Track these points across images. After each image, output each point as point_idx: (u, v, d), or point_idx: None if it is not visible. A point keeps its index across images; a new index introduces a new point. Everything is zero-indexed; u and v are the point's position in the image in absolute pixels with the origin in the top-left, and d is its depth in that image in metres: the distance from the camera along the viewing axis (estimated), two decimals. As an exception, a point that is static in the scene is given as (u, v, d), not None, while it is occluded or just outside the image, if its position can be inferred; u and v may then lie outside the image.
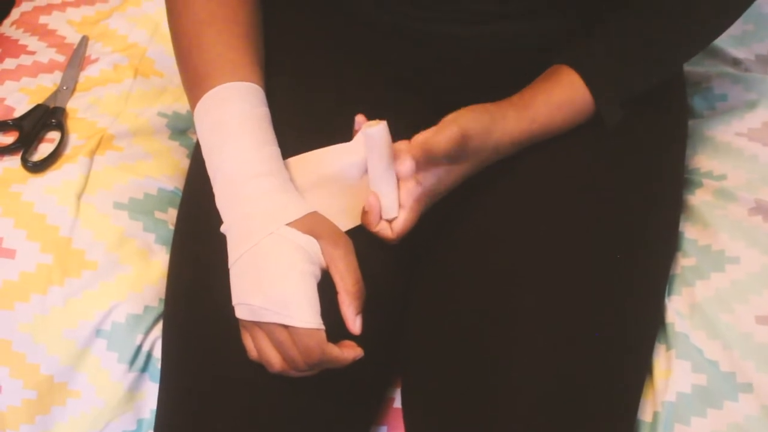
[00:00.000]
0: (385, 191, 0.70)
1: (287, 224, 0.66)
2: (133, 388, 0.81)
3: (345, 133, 0.73)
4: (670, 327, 0.77)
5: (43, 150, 0.89)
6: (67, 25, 1.04)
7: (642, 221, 0.76)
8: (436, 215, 0.76)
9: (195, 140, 0.93)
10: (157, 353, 0.81)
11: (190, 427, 0.70)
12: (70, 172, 0.86)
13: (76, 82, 0.96)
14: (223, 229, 0.69)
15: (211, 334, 0.71)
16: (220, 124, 0.70)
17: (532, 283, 0.71)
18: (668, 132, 0.82)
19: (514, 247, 0.73)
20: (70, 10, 1.06)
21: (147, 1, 1.05)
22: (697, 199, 0.86)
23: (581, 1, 0.76)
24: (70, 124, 0.92)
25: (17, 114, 0.92)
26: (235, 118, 0.70)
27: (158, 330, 0.82)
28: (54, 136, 0.90)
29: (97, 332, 0.80)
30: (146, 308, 0.82)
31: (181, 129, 0.97)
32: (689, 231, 0.84)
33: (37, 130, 0.90)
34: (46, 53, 0.99)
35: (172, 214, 0.88)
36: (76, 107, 0.93)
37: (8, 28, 1.06)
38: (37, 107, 0.92)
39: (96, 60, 0.99)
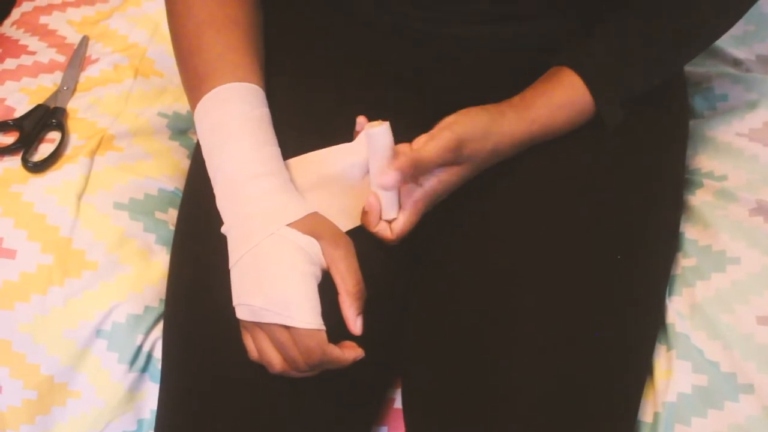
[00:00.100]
0: (384, 192, 0.70)
1: (288, 225, 0.66)
2: (134, 389, 0.81)
3: (345, 133, 0.73)
4: (670, 327, 0.77)
5: (44, 150, 0.89)
6: (67, 25, 1.04)
7: (642, 222, 0.76)
8: (436, 216, 0.76)
9: (195, 140, 0.93)
10: (158, 353, 0.81)
11: (191, 428, 0.70)
12: (71, 172, 0.86)
13: (76, 82, 0.96)
14: (223, 229, 0.69)
15: (212, 334, 0.71)
16: (220, 125, 0.70)
17: (532, 284, 0.71)
18: (668, 132, 0.82)
19: (514, 248, 0.73)
20: (70, 10, 1.06)
21: (147, 1, 1.05)
22: (698, 199, 0.86)
23: (581, 1, 0.76)
24: (71, 124, 0.92)
25: (18, 114, 0.92)
26: (236, 119, 0.70)
27: (159, 330, 0.82)
28: (54, 136, 0.90)
29: (98, 332, 0.80)
30: (146, 308, 0.82)
31: (182, 129, 0.97)
32: (690, 231, 0.84)
33: (37, 131, 0.90)
34: (46, 53, 0.99)
35: (172, 215, 0.88)
36: (76, 107, 0.93)
37: (9, 28, 1.06)
38: (38, 107, 0.92)
39: (96, 60, 0.99)
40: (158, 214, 0.88)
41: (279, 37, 0.82)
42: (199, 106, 0.72)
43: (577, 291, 0.70)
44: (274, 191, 0.68)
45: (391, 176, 0.67)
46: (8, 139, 0.90)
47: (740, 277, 0.77)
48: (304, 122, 0.77)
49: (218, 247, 0.69)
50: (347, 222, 0.72)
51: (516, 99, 0.74)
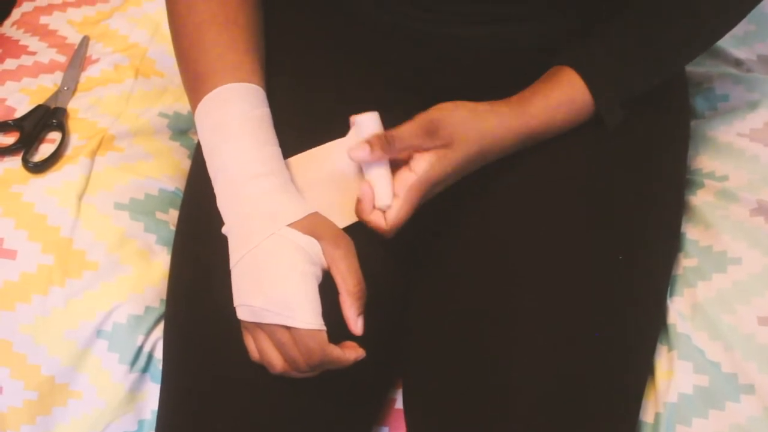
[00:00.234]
0: (377, 179, 0.70)
1: (288, 225, 0.66)
2: (134, 389, 0.81)
3: (345, 133, 0.73)
4: (671, 328, 0.77)
5: (44, 150, 0.89)
6: (67, 25, 1.04)
7: (643, 222, 0.76)
8: (436, 215, 0.76)
9: (196, 141, 0.93)
10: (158, 354, 0.81)
11: (191, 428, 0.70)
12: (71, 172, 0.86)
13: (76, 82, 0.96)
14: (224, 230, 0.69)
15: (213, 334, 0.71)
16: (220, 125, 0.70)
17: (532, 284, 0.71)
18: (669, 132, 0.82)
19: (514, 248, 0.73)
20: (70, 10, 1.06)
21: (148, 2, 1.05)
22: (699, 199, 0.86)
23: (581, 1, 0.76)
24: (71, 124, 0.92)
25: (18, 114, 0.92)
26: (236, 119, 0.70)
27: (159, 331, 0.82)
28: (55, 136, 0.90)
29: (98, 333, 0.80)
30: (147, 309, 0.82)
31: (182, 129, 0.97)
32: (691, 232, 0.84)
33: (38, 131, 0.90)
34: (46, 53, 0.99)
35: (173, 215, 0.88)
36: (77, 107, 0.93)
37: (9, 28, 1.06)
38: (38, 108, 0.92)
39: (97, 60, 0.99)
40: (159, 215, 0.88)
41: (279, 37, 0.82)
42: (200, 106, 0.72)
43: (577, 291, 0.70)
44: (275, 191, 0.68)
45: (361, 148, 0.67)
46: (9, 139, 0.90)
47: (741, 278, 0.77)
48: (304, 122, 0.77)
49: (219, 247, 0.69)
50: (346, 218, 0.72)
51: (514, 97, 0.74)
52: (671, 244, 0.81)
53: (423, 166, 0.69)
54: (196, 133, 0.81)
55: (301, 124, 0.77)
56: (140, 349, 0.81)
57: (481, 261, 0.74)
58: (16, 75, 0.97)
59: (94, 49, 1.01)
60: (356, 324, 0.65)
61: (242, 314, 0.65)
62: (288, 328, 0.63)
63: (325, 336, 0.63)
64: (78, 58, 0.99)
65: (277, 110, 0.74)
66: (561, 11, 0.77)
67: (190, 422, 0.70)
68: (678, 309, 0.78)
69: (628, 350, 0.72)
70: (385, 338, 0.74)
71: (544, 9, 0.76)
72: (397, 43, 0.79)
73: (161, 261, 0.84)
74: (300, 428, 0.70)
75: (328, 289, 0.65)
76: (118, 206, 0.86)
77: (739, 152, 0.88)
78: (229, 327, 0.68)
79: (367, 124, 0.70)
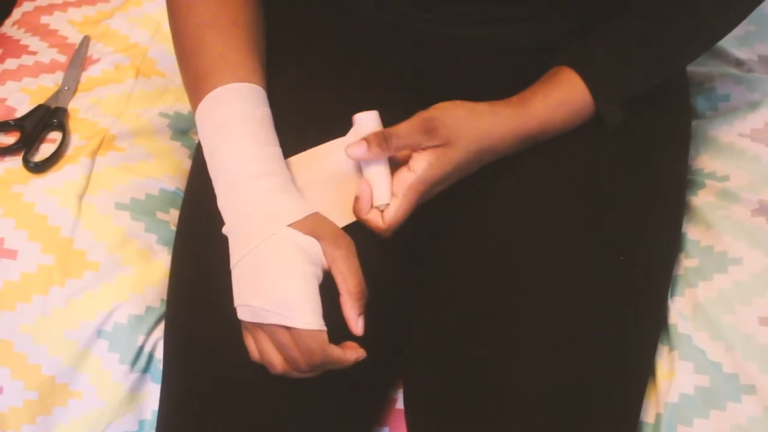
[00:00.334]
0: (376, 178, 0.70)
1: (289, 225, 0.66)
2: (135, 389, 0.81)
3: (345, 133, 0.73)
4: (672, 328, 0.77)
5: (45, 150, 0.89)
6: (68, 25, 1.04)
7: (643, 222, 0.76)
8: (436, 215, 0.75)
9: (196, 141, 0.92)
10: (159, 354, 0.81)
11: (192, 428, 0.70)
12: (72, 172, 0.86)
13: (77, 82, 0.96)
14: (224, 230, 0.69)
15: (213, 334, 0.71)
16: (221, 125, 0.70)
17: (532, 284, 0.71)
18: (670, 132, 0.82)
19: (514, 248, 0.73)
20: (71, 10, 1.06)
21: (148, 1, 1.05)
22: (700, 199, 0.86)
23: (581, 1, 0.76)
24: (72, 124, 0.92)
25: (19, 114, 0.92)
26: (237, 119, 0.70)
27: (160, 331, 0.82)
28: (55, 136, 0.90)
29: (99, 333, 0.80)
30: (148, 309, 0.82)
31: (183, 129, 0.97)
32: (692, 232, 0.84)
33: (38, 131, 0.90)
34: (47, 53, 0.99)
35: (173, 215, 0.88)
36: (77, 107, 0.93)
37: (9, 28, 1.06)
38: (39, 107, 0.92)
39: (97, 60, 0.99)
40: (159, 215, 0.88)
41: (279, 37, 0.82)
42: (201, 106, 0.72)
43: (577, 291, 0.70)
44: (275, 191, 0.68)
45: (358, 145, 0.67)
46: (9, 139, 0.90)
47: (742, 278, 0.77)
48: (304, 122, 0.77)
49: (219, 247, 0.69)
50: (346, 217, 0.72)
51: (514, 97, 0.74)
52: (672, 245, 0.81)
53: (422, 166, 0.69)
54: (196, 133, 0.82)
55: (301, 124, 0.77)
56: (141, 349, 0.81)
57: (481, 261, 0.73)
58: (16, 75, 0.97)
59: (94, 49, 1.01)
60: (357, 324, 0.65)
61: (243, 314, 0.65)
62: (288, 328, 0.63)
63: (325, 336, 0.63)
64: (79, 58, 0.99)
65: (277, 110, 0.74)
66: (561, 11, 0.77)
67: (190, 422, 0.70)
68: (679, 309, 0.78)
69: (629, 350, 0.72)
70: (385, 338, 0.74)
71: (544, 9, 0.76)
72: (397, 43, 0.79)
73: (162, 261, 0.84)
74: (300, 428, 0.70)
75: (328, 289, 0.65)
76: (119, 206, 0.85)
77: (740, 152, 0.88)
78: (230, 327, 0.68)
79: (366, 122, 0.70)
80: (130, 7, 1.05)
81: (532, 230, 0.73)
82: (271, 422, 0.69)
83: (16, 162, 0.87)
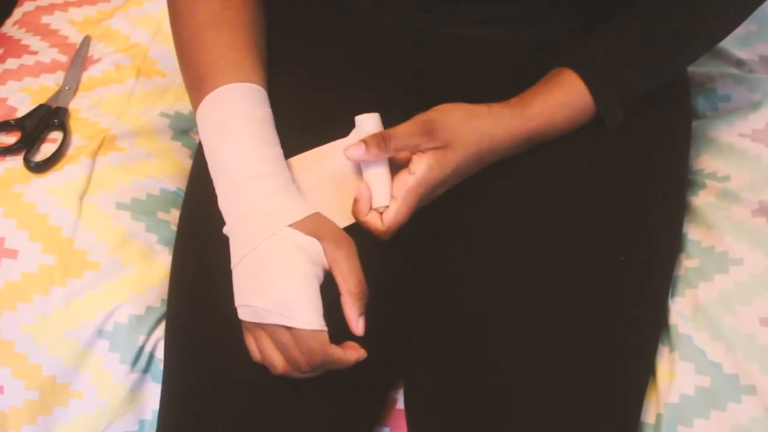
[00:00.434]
0: (375, 180, 0.70)
1: (289, 225, 0.66)
2: (135, 389, 0.81)
3: (345, 133, 0.73)
4: (673, 329, 0.77)
5: (46, 150, 0.89)
6: (69, 24, 1.04)
7: (644, 222, 0.76)
8: (436, 216, 0.75)
9: (197, 141, 0.93)
10: (160, 354, 0.81)
11: (192, 428, 0.70)
12: (73, 172, 0.86)
13: (78, 82, 0.96)
14: (225, 230, 0.69)
15: (214, 334, 0.71)
16: (222, 126, 0.70)
17: (532, 285, 0.71)
18: (670, 133, 0.82)
19: (514, 249, 0.73)
20: (72, 9, 1.06)
21: (149, 1, 1.05)
22: (701, 200, 0.86)
23: (581, 1, 0.76)
24: (73, 124, 0.92)
25: (20, 114, 0.92)
26: (237, 119, 0.70)
27: (160, 331, 0.82)
28: (56, 136, 0.90)
29: (99, 333, 0.80)
30: (148, 309, 0.82)
31: (184, 129, 0.97)
32: (693, 232, 0.84)
33: (39, 131, 0.90)
34: (48, 53, 0.99)
35: (174, 215, 0.88)
36: (78, 107, 0.93)
37: (10, 27, 1.06)
38: (40, 107, 0.92)
39: (98, 60, 0.99)
40: (160, 215, 0.88)
41: (279, 37, 0.82)
42: (201, 106, 0.72)
43: (577, 292, 0.70)
44: (276, 192, 0.68)
45: (356, 147, 0.67)
46: (10, 139, 0.90)
47: (743, 279, 0.77)
48: (304, 122, 0.77)
49: (220, 247, 0.69)
50: (347, 218, 0.72)
51: (514, 98, 0.74)
52: (673, 245, 0.81)
53: (422, 168, 0.69)
54: (197, 132, 0.81)
55: (301, 124, 0.77)
56: (141, 349, 0.81)
57: (481, 262, 0.73)
58: (17, 74, 0.97)
59: (95, 49, 1.01)
60: (357, 324, 0.65)
61: (243, 314, 0.65)
62: (289, 328, 0.63)
63: (326, 336, 0.63)
64: (79, 58, 0.99)
65: (277, 110, 0.74)
66: (561, 11, 0.77)
67: (191, 422, 0.70)
68: (679, 310, 0.78)
69: (629, 351, 0.72)
70: (386, 339, 0.74)
71: (544, 9, 0.76)
72: (397, 43, 0.79)
73: (162, 261, 0.84)
74: (301, 428, 0.70)
75: (329, 289, 0.65)
76: (120, 206, 0.86)
77: (740, 153, 0.88)
78: (231, 327, 0.68)
79: (367, 124, 0.70)
80: (130, 7, 1.05)
81: (532, 231, 0.73)
82: (271, 422, 0.69)
83: (17, 162, 0.87)
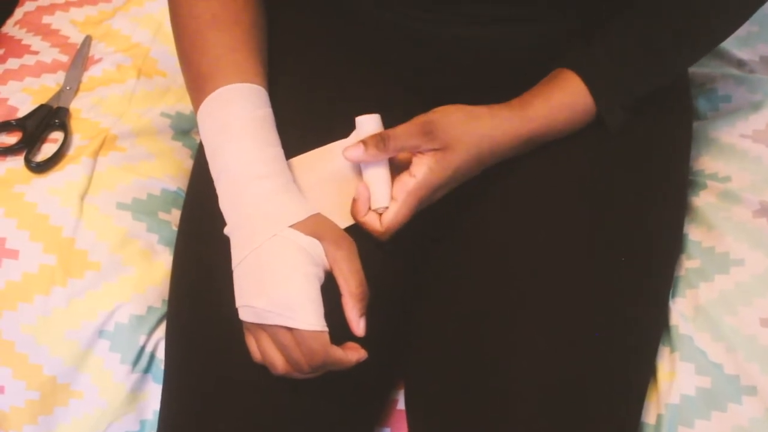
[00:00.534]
0: (374, 180, 0.70)
1: (290, 226, 0.66)
2: (136, 389, 0.81)
3: (346, 133, 0.73)
4: (674, 329, 0.77)
5: (47, 150, 0.89)
6: (70, 24, 1.04)
7: (645, 223, 0.76)
8: (436, 217, 0.75)
9: (198, 141, 0.93)
10: (160, 354, 0.81)
11: (193, 428, 0.70)
12: (74, 172, 0.86)
13: (79, 82, 0.96)
14: (226, 230, 0.69)
15: (215, 335, 0.71)
16: (223, 126, 0.70)
17: (532, 286, 0.71)
18: (671, 133, 0.82)
19: (515, 250, 0.73)
20: (73, 10, 1.06)
21: (150, 1, 1.05)
22: (702, 200, 0.86)
23: (581, 1, 0.76)
24: (74, 124, 0.92)
25: (20, 114, 0.92)
26: (239, 120, 0.70)
27: (161, 331, 0.82)
28: (57, 136, 0.90)
29: (100, 333, 0.80)
30: (149, 309, 0.82)
31: (185, 129, 0.97)
32: (693, 233, 0.84)
33: (40, 131, 0.90)
34: (49, 53, 0.99)
35: (175, 215, 0.88)
36: (79, 107, 0.93)
37: (11, 27, 1.06)
38: (41, 107, 0.92)
39: (99, 60, 0.99)
40: (161, 215, 0.88)
41: (280, 36, 0.82)
42: (202, 106, 0.72)
43: (578, 293, 0.70)
44: (277, 192, 0.68)
45: (355, 147, 0.67)
46: (11, 139, 0.90)
47: (744, 279, 0.77)
48: (305, 121, 0.77)
49: (221, 248, 0.69)
50: (348, 219, 0.72)
51: (515, 100, 0.74)
52: (673, 246, 0.81)
53: (423, 171, 0.69)
54: (198, 133, 0.81)
55: (302, 123, 0.77)
56: (142, 349, 0.81)
57: (481, 263, 0.73)
58: (18, 74, 0.97)
59: (96, 49, 1.01)
60: (358, 325, 0.65)
61: (244, 315, 0.65)
62: (290, 329, 0.63)
63: (327, 337, 0.63)
64: (80, 58, 0.99)
65: (278, 109, 0.74)
66: (561, 11, 0.77)
67: (192, 423, 0.70)
68: (680, 310, 0.78)
69: (630, 352, 0.72)
70: (387, 339, 0.74)
71: (544, 9, 0.76)
72: (398, 43, 0.79)
73: (163, 261, 0.84)
74: (302, 429, 0.70)
75: (330, 290, 0.65)
76: (121, 206, 0.86)
77: (741, 153, 0.87)
78: (232, 327, 0.68)
79: (367, 124, 0.70)
80: (131, 7, 1.05)
81: (532, 232, 0.73)
82: (272, 423, 0.69)
83: (17, 162, 0.87)
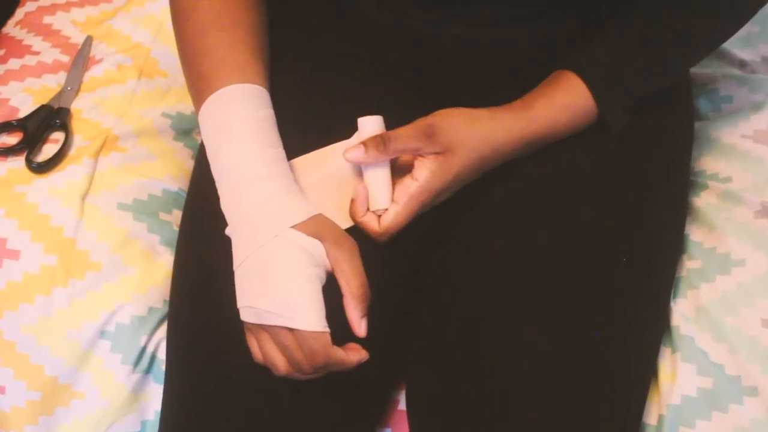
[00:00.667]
0: (374, 182, 0.70)
1: (292, 227, 0.66)
2: (137, 390, 0.81)
3: (347, 132, 0.73)
4: (675, 330, 0.77)
5: (48, 151, 0.89)
6: (71, 25, 1.04)
7: (646, 223, 0.76)
8: (438, 219, 0.75)
9: (199, 141, 0.93)
10: (161, 355, 0.81)
11: (194, 429, 0.70)
12: (75, 173, 0.86)
13: (80, 82, 0.96)
14: (227, 231, 0.69)
15: (216, 335, 0.71)
16: (224, 127, 0.70)
17: (533, 287, 0.71)
18: (673, 134, 0.82)
19: (515, 251, 0.73)
20: (74, 10, 1.06)
21: (151, 2, 1.05)
22: (703, 201, 0.86)
23: (581, 1, 0.76)
24: (75, 124, 0.92)
25: (21, 114, 0.92)
26: (240, 120, 0.70)
27: (162, 331, 0.82)
28: (58, 136, 0.90)
29: (101, 334, 0.80)
30: (150, 309, 0.82)
31: (186, 130, 0.97)
32: (695, 233, 0.84)
33: (41, 131, 0.90)
34: (50, 53, 0.99)
35: (176, 216, 0.88)
36: (80, 108, 0.93)
37: (12, 28, 1.06)
38: (42, 108, 0.92)
39: (100, 60, 0.99)
40: (162, 215, 0.88)
41: (281, 35, 0.82)
42: (204, 107, 0.72)
43: (579, 294, 0.70)
44: (278, 193, 0.68)
45: (356, 148, 0.68)
46: (12, 139, 0.90)
47: (745, 280, 0.77)
48: (305, 120, 0.77)
49: (222, 248, 0.69)
50: (349, 220, 0.72)
51: (516, 102, 0.74)
52: (675, 246, 0.81)
53: (425, 174, 0.69)
54: (199, 133, 0.82)
55: (302, 122, 0.77)
56: (143, 349, 0.81)
57: (482, 264, 0.73)
58: (19, 75, 0.97)
59: (97, 50, 1.01)
60: (360, 326, 0.65)
61: (246, 316, 0.65)
62: (291, 330, 0.63)
63: (328, 338, 0.63)
64: (81, 58, 0.99)
65: (279, 109, 0.74)
66: (561, 11, 0.77)
67: (193, 423, 0.70)
68: (682, 311, 0.78)
69: (631, 352, 0.72)
70: (388, 340, 0.74)
71: (544, 10, 0.76)
72: (398, 43, 0.79)
73: (164, 261, 0.84)
74: (303, 429, 0.70)
75: (331, 290, 0.65)
76: (122, 207, 0.86)
77: (743, 154, 0.87)
78: (233, 328, 0.68)
79: (369, 126, 0.70)
80: (132, 7, 1.05)
81: (533, 233, 0.73)
82: (273, 423, 0.69)
83: (18, 162, 0.87)
